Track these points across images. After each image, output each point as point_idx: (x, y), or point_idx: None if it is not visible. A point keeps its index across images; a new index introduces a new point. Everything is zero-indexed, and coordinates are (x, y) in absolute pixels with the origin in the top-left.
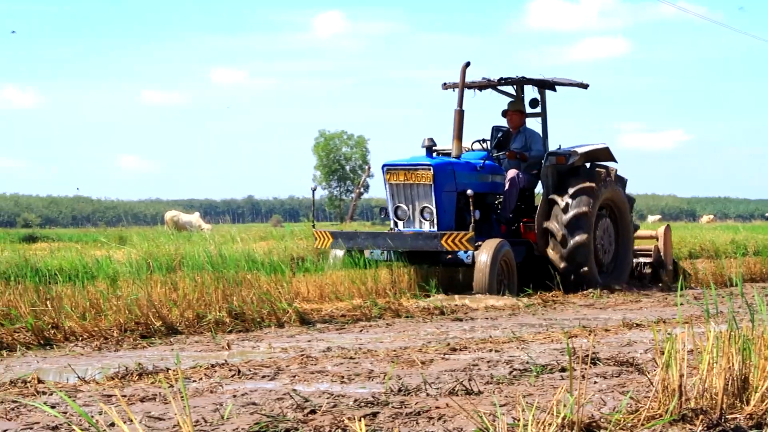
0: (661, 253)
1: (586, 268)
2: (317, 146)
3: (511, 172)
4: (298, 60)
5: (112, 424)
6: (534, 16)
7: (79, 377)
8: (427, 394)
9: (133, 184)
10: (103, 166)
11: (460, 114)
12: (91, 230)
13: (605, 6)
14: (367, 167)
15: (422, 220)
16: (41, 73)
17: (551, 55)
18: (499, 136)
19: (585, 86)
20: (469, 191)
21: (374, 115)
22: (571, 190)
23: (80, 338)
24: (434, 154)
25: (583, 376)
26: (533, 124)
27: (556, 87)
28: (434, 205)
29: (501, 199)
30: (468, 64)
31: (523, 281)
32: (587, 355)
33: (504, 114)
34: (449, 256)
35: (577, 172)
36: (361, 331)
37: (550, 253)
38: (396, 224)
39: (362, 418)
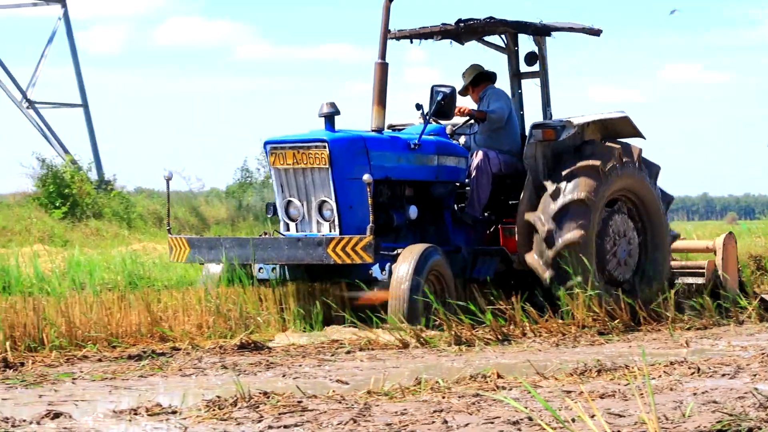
0: (720, 272)
1: (579, 279)
2: None
3: (479, 154)
4: (753, 54)
5: (573, 420)
6: None
7: (538, 372)
8: None
9: None
10: None
11: (381, 68)
12: None
13: None
14: None
15: (320, 220)
16: None
17: None
18: (439, 99)
19: (597, 32)
20: (366, 177)
21: None
22: (566, 171)
23: (537, 334)
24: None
25: None
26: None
27: (552, 33)
28: (334, 199)
29: (465, 192)
30: None
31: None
32: None
33: (463, 93)
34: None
35: (580, 151)
36: None
37: (532, 259)
38: (287, 227)
39: None
